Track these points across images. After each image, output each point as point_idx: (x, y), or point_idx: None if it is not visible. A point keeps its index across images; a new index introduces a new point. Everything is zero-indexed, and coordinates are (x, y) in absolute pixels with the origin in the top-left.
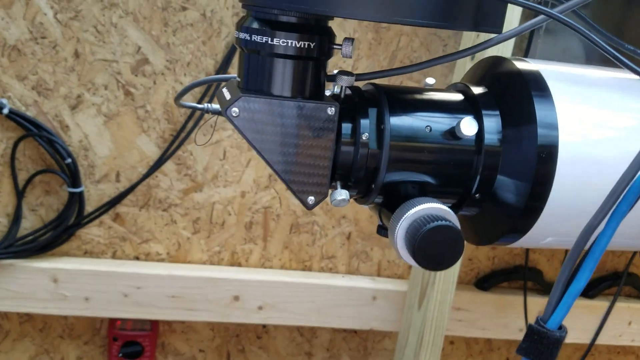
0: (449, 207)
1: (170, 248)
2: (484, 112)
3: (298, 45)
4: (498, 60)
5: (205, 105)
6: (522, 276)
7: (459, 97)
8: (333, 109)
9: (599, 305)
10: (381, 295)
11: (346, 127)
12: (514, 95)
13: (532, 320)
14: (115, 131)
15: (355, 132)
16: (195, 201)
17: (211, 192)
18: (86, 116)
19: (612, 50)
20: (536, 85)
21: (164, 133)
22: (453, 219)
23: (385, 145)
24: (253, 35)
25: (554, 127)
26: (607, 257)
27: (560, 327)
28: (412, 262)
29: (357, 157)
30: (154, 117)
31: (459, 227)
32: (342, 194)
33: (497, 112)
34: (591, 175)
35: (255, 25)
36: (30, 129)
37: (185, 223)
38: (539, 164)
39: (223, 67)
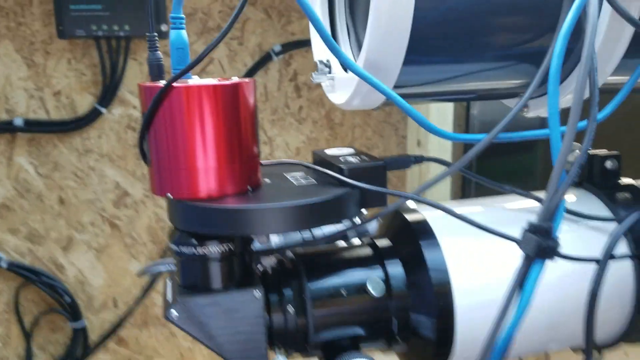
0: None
1: None
2: (387, 262)
3: (221, 250)
4: (395, 213)
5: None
6: None
7: (368, 251)
8: (259, 293)
9: None
10: None
11: (274, 299)
12: (408, 245)
13: None
14: (107, 262)
15: (282, 303)
16: None
17: None
18: (78, 254)
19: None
20: (424, 234)
21: (152, 253)
22: None
23: (309, 312)
24: (181, 247)
25: (444, 268)
26: None
27: None
28: None
29: (287, 325)
30: (140, 242)
31: None
32: (279, 358)
33: (399, 261)
34: (488, 301)
35: (181, 238)
36: (28, 276)
37: (184, 334)
38: (438, 301)
39: None
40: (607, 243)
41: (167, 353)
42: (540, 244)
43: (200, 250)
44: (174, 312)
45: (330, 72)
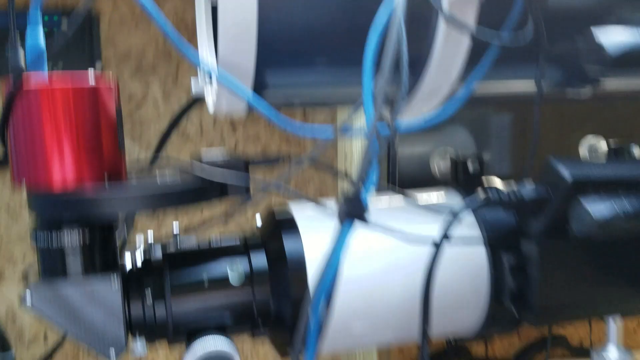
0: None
1: None
2: (252, 255)
3: (77, 237)
4: (266, 211)
5: None
6: (451, 358)
7: (237, 246)
8: (116, 278)
9: None
10: None
11: (134, 290)
12: (273, 239)
13: None
14: None
15: (141, 293)
16: None
17: None
18: (9, 287)
19: None
20: (288, 229)
21: None
22: (229, 347)
23: (168, 301)
24: (38, 235)
25: (302, 260)
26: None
27: None
28: None
29: (145, 313)
30: None
31: (234, 355)
32: (138, 345)
33: (264, 254)
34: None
35: (39, 225)
36: None
37: None
38: (292, 287)
39: None
40: (443, 227)
41: None
42: (349, 208)
43: (57, 237)
44: (27, 298)
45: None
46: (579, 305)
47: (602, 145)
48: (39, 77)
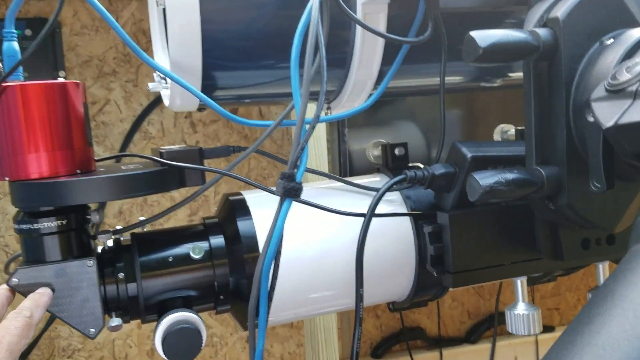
0: (212, 307)
1: None
2: (211, 236)
3: (55, 224)
4: (223, 197)
5: None
6: (407, 337)
7: (199, 228)
8: (91, 262)
9: (483, 348)
10: None
11: (108, 271)
12: (229, 221)
13: None
14: None
15: (114, 273)
16: (95, 342)
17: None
18: None
19: None
20: (241, 210)
21: None
22: (195, 321)
23: (138, 278)
24: (22, 225)
25: (254, 238)
26: (479, 302)
27: None
28: (164, 357)
29: (119, 292)
30: None
31: (199, 326)
32: (114, 321)
33: (221, 235)
34: (291, 263)
35: (21, 217)
36: None
37: None
38: (247, 265)
39: None
40: (372, 202)
41: None
42: (286, 186)
43: (37, 225)
44: (13, 280)
45: (166, 83)
46: (488, 267)
47: (512, 131)
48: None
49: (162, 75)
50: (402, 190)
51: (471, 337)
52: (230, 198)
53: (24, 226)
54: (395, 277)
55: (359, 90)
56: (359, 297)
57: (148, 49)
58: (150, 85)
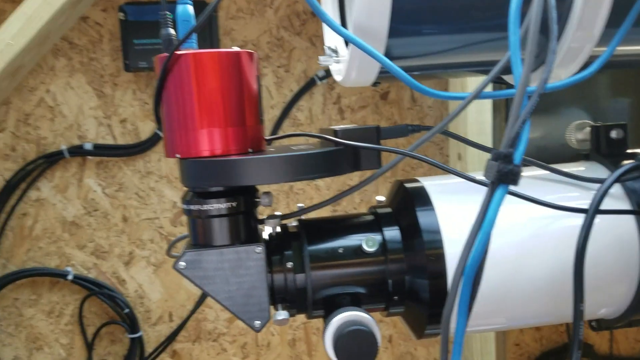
0: (382, 308)
1: None
2: (385, 228)
3: (226, 206)
4: (396, 183)
5: None
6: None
7: (369, 218)
8: (260, 248)
9: None
10: None
11: (275, 259)
12: (406, 212)
13: None
14: (164, 277)
15: (282, 262)
16: (240, 327)
17: None
18: (138, 269)
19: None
20: (420, 201)
21: None
22: (370, 323)
23: (307, 269)
24: (190, 205)
25: (437, 233)
26: (551, 329)
27: None
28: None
29: (287, 283)
30: None
31: (375, 330)
32: (281, 314)
33: (397, 227)
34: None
35: (190, 197)
36: (92, 288)
37: (234, 350)
38: (429, 264)
39: None
40: (596, 196)
41: None
42: (501, 169)
43: (206, 207)
44: (181, 264)
45: (337, 57)
46: None
47: (587, 128)
48: (189, 49)
49: (333, 48)
50: (626, 182)
51: None
52: (407, 185)
53: (193, 207)
54: (610, 289)
55: (572, 56)
56: (579, 313)
57: (301, 32)
58: (321, 58)
